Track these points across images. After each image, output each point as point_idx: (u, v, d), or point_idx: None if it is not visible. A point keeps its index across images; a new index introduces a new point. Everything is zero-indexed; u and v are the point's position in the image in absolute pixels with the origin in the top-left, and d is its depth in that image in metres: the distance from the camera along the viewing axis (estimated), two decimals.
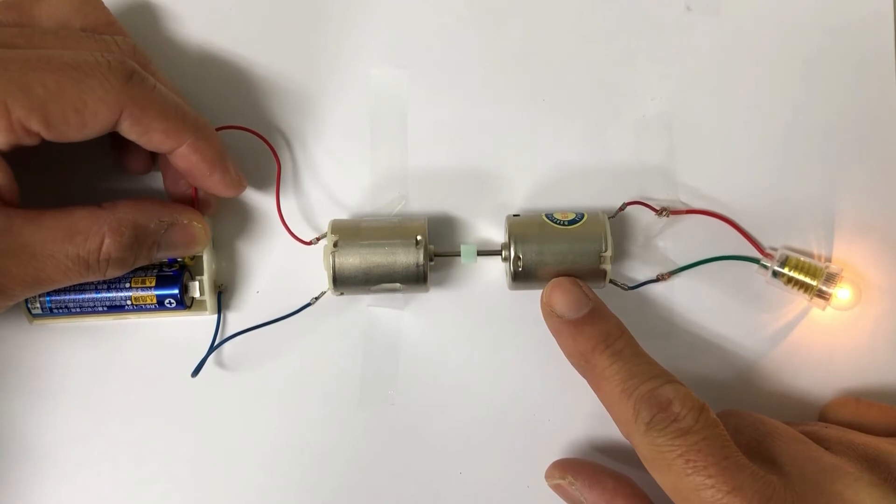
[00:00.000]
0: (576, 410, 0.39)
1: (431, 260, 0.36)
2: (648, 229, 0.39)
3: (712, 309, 0.39)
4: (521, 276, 0.36)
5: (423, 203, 0.39)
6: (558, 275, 0.36)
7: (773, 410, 0.38)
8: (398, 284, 0.36)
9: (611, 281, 0.36)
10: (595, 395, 0.33)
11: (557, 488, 0.37)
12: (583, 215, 0.36)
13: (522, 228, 0.36)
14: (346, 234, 0.36)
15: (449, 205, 0.39)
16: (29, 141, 0.31)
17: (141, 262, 0.34)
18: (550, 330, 0.35)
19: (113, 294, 0.36)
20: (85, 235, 0.32)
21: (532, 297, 0.39)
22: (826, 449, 0.32)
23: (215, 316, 0.38)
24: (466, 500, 0.39)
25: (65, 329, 0.39)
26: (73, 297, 0.36)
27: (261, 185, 0.39)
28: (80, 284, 0.35)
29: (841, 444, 0.32)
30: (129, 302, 0.36)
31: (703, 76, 0.39)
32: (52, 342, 0.38)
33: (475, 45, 0.39)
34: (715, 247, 0.38)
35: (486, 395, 0.39)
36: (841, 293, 0.37)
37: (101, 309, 0.36)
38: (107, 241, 0.32)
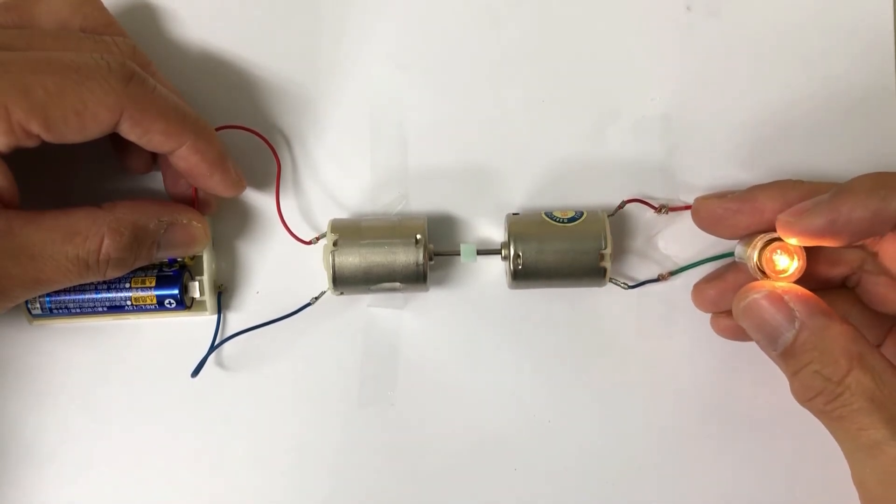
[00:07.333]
0: (576, 411, 0.39)
1: (431, 259, 0.36)
2: (648, 228, 0.39)
3: None
4: (521, 275, 0.36)
5: (423, 203, 0.39)
6: (558, 273, 0.36)
7: (773, 409, 0.38)
8: (398, 284, 0.36)
9: (611, 279, 0.36)
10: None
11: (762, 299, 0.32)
12: (582, 213, 0.36)
13: (522, 227, 0.36)
14: (346, 233, 0.36)
15: (449, 204, 0.39)
16: (29, 143, 0.31)
17: (141, 263, 0.34)
18: None
19: (113, 294, 0.36)
20: (84, 236, 0.32)
21: (532, 297, 0.39)
22: None
23: (215, 316, 0.38)
24: (466, 501, 0.39)
25: (65, 329, 0.39)
26: (72, 297, 0.36)
27: (261, 185, 0.39)
28: (80, 285, 0.34)
29: None
30: (129, 302, 0.36)
31: (703, 76, 0.39)
32: (52, 342, 0.39)
33: (475, 45, 0.39)
34: (715, 246, 0.38)
35: (486, 395, 0.39)
36: None
37: (101, 309, 0.36)
38: (106, 241, 0.32)
